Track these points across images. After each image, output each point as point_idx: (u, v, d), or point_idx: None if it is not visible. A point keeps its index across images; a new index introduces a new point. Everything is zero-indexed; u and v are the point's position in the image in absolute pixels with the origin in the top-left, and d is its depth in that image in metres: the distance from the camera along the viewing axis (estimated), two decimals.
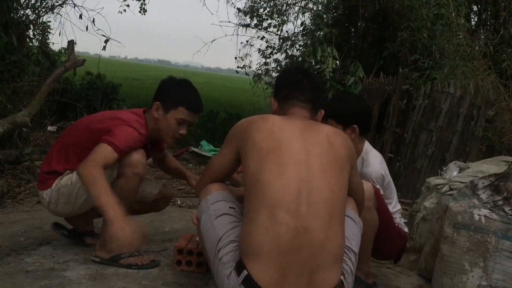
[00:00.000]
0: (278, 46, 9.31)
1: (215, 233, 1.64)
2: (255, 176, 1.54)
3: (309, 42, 7.41)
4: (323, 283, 1.48)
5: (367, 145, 2.29)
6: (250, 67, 9.85)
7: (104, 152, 2.05)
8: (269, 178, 1.52)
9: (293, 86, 1.80)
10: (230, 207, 1.72)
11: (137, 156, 2.16)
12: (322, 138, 1.65)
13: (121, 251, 2.14)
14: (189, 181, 2.60)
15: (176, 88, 2.27)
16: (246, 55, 9.77)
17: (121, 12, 8.17)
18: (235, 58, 9.75)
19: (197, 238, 2.38)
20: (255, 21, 9.40)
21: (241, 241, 1.54)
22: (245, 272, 1.46)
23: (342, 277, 1.54)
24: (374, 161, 2.22)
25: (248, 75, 9.81)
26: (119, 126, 2.15)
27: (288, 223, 1.46)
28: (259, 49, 9.46)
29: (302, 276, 1.46)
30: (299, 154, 1.58)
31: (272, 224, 1.46)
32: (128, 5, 8.13)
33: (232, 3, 9.79)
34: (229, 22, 11.15)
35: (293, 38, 9.15)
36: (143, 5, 8.77)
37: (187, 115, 2.26)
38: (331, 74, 6.55)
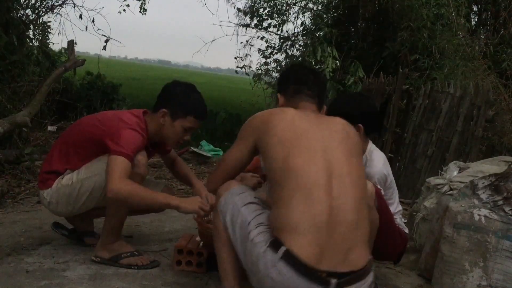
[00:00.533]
0: (278, 46, 9.31)
1: (244, 219, 1.66)
2: (285, 164, 1.58)
3: (309, 42, 7.42)
4: (356, 261, 1.53)
5: (371, 145, 2.29)
6: (250, 67, 9.86)
7: (120, 164, 2.05)
8: (300, 164, 1.57)
9: (301, 81, 1.87)
10: (254, 197, 1.76)
11: (139, 157, 2.16)
12: (338, 127, 1.73)
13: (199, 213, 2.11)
14: (194, 191, 2.57)
15: (183, 95, 2.25)
16: (246, 55, 9.79)
17: (121, 12, 8.17)
18: (235, 58, 9.77)
19: (197, 238, 2.39)
20: (255, 21, 9.41)
21: (275, 221, 1.56)
22: (284, 248, 1.48)
23: (370, 257, 1.60)
24: (378, 161, 2.22)
25: (248, 75, 9.82)
26: (123, 130, 2.13)
27: (324, 202, 1.52)
28: (259, 49, 9.47)
29: (338, 253, 1.51)
30: (323, 140, 1.64)
31: (310, 203, 1.52)
32: (128, 5, 8.14)
33: (232, 3, 9.82)
34: (229, 22, 11.18)
35: (293, 38, 9.16)
36: (143, 5, 8.78)
37: (194, 123, 2.28)
38: (331, 74, 6.55)
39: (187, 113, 2.24)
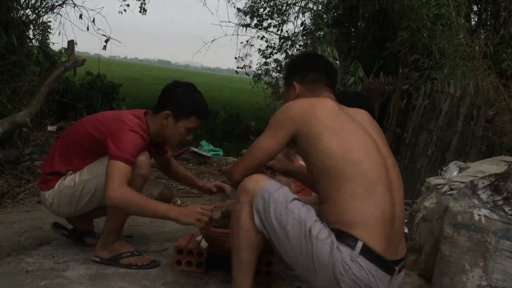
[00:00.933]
0: (278, 46, 9.32)
1: (296, 217, 1.59)
2: (345, 155, 1.57)
3: (309, 42, 7.43)
4: (403, 248, 1.65)
5: None
6: (250, 67, 9.87)
7: (120, 170, 2.04)
8: (360, 156, 1.58)
9: (320, 70, 1.84)
10: (291, 191, 1.71)
11: (142, 158, 2.15)
12: (368, 119, 1.76)
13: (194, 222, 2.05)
14: (203, 190, 2.56)
15: (185, 96, 2.25)
16: (246, 55, 9.80)
17: (121, 12, 8.17)
18: (235, 58, 9.77)
19: (197, 238, 2.39)
20: (255, 21, 9.41)
21: (339, 216, 1.55)
22: (360, 243, 1.50)
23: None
24: None
25: (248, 75, 9.82)
26: (123, 133, 2.12)
27: (387, 196, 1.58)
28: (259, 49, 9.48)
29: (395, 245, 1.60)
30: (367, 133, 1.66)
31: (377, 198, 1.55)
32: (128, 5, 8.14)
33: (232, 3, 9.82)
34: (229, 22, 11.17)
35: (293, 38, 9.16)
36: (143, 5, 8.78)
37: (197, 123, 2.29)
38: None
39: (190, 114, 2.25)
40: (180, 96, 2.25)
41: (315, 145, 1.62)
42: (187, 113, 2.24)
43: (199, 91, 2.33)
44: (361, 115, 1.75)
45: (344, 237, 1.52)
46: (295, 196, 1.69)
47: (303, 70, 1.85)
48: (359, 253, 1.50)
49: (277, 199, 1.63)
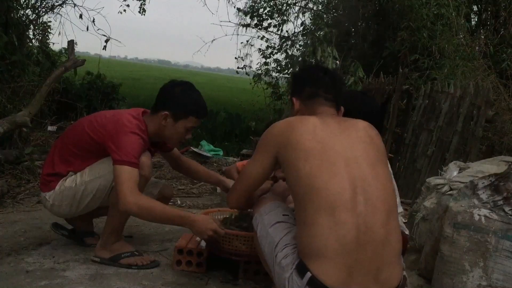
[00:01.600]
0: (278, 46, 9.32)
1: (271, 240, 1.65)
2: (308, 181, 1.53)
3: (309, 42, 7.42)
4: (388, 280, 1.48)
5: None
6: (250, 67, 9.87)
7: (127, 175, 2.04)
8: (323, 181, 1.51)
9: (317, 84, 1.80)
10: (283, 215, 1.72)
11: (143, 158, 2.15)
12: (362, 133, 1.66)
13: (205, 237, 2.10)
14: (226, 186, 2.52)
15: (183, 96, 2.23)
16: (246, 55, 9.80)
17: (121, 12, 8.17)
18: (235, 58, 9.78)
19: (197, 238, 2.39)
20: (255, 21, 9.41)
21: (300, 244, 1.53)
22: (309, 274, 1.45)
23: (404, 272, 1.56)
24: None
25: (248, 75, 9.82)
26: (124, 135, 2.11)
27: (350, 222, 1.46)
28: (259, 49, 9.48)
29: (368, 274, 1.46)
30: (346, 151, 1.58)
31: (334, 224, 1.46)
32: (128, 5, 8.14)
33: (232, 2, 9.87)
34: (229, 22, 11.17)
35: (293, 38, 9.16)
36: (143, 5, 8.78)
37: (196, 122, 2.28)
38: None
39: (189, 114, 2.23)
40: (178, 95, 2.23)
41: (288, 169, 1.61)
42: (186, 113, 2.22)
43: (196, 89, 2.31)
44: (352, 129, 1.66)
45: (300, 266, 1.50)
46: (284, 218, 1.71)
47: (301, 85, 1.84)
48: (305, 284, 1.45)
49: (263, 222, 1.75)
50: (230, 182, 2.44)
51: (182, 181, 4.24)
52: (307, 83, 1.82)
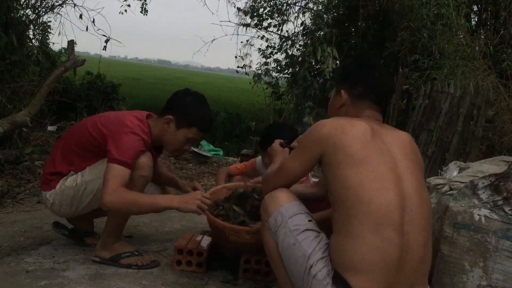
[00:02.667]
0: (278, 46, 9.31)
1: (302, 250, 1.59)
2: (357, 192, 1.49)
3: (309, 42, 7.41)
4: None
5: None
6: (250, 67, 9.85)
7: (116, 173, 2.04)
8: (373, 195, 1.48)
9: (371, 86, 1.73)
10: (308, 220, 1.67)
11: (144, 159, 2.15)
12: (408, 148, 1.64)
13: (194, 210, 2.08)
14: (184, 189, 2.55)
15: (192, 106, 2.25)
16: (246, 54, 9.78)
17: (122, 13, 8.18)
18: (235, 57, 9.76)
19: (197, 238, 2.39)
20: (255, 21, 9.40)
21: (339, 255, 1.50)
22: None
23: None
24: None
25: (248, 75, 9.81)
26: (124, 135, 2.12)
27: (395, 241, 1.46)
28: (259, 49, 9.47)
29: None
30: (396, 167, 1.55)
31: (381, 242, 1.45)
32: (129, 5, 8.14)
33: (233, 2, 9.82)
34: (229, 21, 11.15)
35: (293, 38, 9.15)
36: (144, 5, 8.79)
37: (197, 135, 2.28)
38: (331, 74, 6.55)
39: (192, 124, 2.24)
40: (187, 104, 2.25)
41: (334, 173, 1.56)
42: (189, 122, 2.23)
43: (207, 104, 2.32)
44: (399, 142, 1.63)
45: (338, 279, 1.49)
46: (310, 225, 1.65)
47: (355, 80, 1.76)
48: None
49: (289, 227, 1.64)
50: (182, 183, 2.60)
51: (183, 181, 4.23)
52: (361, 81, 1.74)
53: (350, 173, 1.51)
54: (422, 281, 1.54)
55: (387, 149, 1.58)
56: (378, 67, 1.81)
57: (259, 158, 2.86)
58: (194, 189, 2.54)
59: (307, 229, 1.62)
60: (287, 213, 1.67)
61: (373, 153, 1.54)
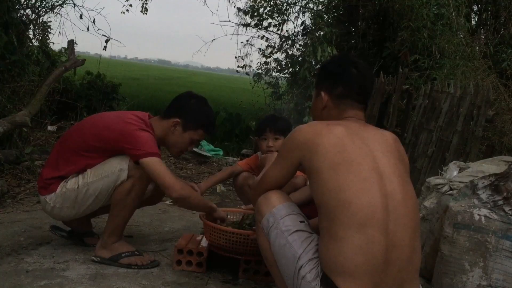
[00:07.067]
0: (278, 46, 9.31)
1: (292, 251, 1.60)
2: (337, 194, 1.49)
3: (309, 42, 7.40)
4: None
5: None
6: (250, 66, 9.84)
7: (161, 165, 2.11)
8: (354, 196, 1.48)
9: (351, 85, 1.71)
10: (300, 221, 1.67)
11: None
12: (391, 147, 1.63)
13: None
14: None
15: (197, 109, 2.32)
16: (246, 54, 9.76)
17: (124, 12, 8.19)
18: (235, 57, 9.75)
19: (198, 238, 2.39)
20: (255, 21, 9.40)
21: (325, 258, 1.50)
22: None
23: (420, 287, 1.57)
24: None
25: (248, 75, 9.80)
26: (136, 132, 2.15)
27: (380, 242, 1.45)
28: (259, 49, 9.46)
29: None
30: (377, 166, 1.54)
31: (365, 243, 1.44)
32: (130, 5, 8.15)
33: (233, 2, 9.81)
34: (229, 21, 11.13)
35: (293, 38, 9.15)
36: (145, 4, 8.80)
37: (202, 136, 2.37)
38: None
39: (198, 127, 2.31)
40: (193, 107, 2.31)
41: (314, 178, 1.57)
42: (196, 125, 2.30)
43: (210, 106, 2.40)
44: (381, 141, 1.62)
45: (326, 281, 1.48)
46: (302, 226, 1.65)
47: (334, 80, 1.73)
48: None
49: (280, 227, 1.65)
50: None
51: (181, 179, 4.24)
52: (340, 81, 1.72)
53: (329, 177, 1.52)
54: (412, 278, 1.52)
55: (368, 149, 1.57)
56: (357, 64, 1.76)
57: (259, 153, 2.88)
58: None
59: (298, 230, 1.63)
60: (278, 214, 1.68)
61: (352, 155, 1.54)
